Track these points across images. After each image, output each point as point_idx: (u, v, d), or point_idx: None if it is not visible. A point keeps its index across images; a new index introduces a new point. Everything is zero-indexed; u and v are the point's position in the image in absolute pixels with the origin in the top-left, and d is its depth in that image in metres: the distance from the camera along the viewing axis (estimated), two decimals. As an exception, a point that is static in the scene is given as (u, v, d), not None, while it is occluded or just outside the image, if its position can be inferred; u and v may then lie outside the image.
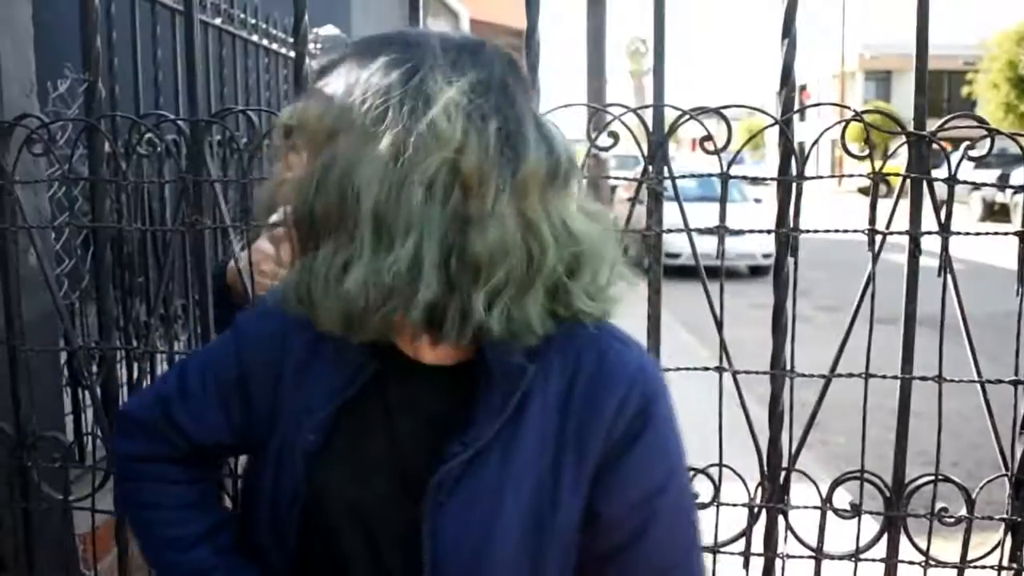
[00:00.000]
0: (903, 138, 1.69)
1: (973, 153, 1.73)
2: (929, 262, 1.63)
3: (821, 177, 1.74)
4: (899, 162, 1.74)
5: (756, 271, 13.21)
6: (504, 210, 0.96)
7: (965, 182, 1.69)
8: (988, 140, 1.71)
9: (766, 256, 12.15)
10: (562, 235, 1.01)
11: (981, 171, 17.46)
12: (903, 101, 1.68)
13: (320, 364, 1.15)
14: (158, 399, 1.26)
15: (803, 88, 51.58)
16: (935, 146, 1.70)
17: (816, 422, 1.81)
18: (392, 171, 0.93)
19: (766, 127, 1.73)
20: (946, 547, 1.89)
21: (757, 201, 14.91)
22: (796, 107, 1.73)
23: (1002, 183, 1.76)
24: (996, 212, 22.29)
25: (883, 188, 1.73)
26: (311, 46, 5.26)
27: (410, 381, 1.12)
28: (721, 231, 1.73)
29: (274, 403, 1.17)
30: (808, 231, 1.73)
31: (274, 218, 2.12)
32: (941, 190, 1.70)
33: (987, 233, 1.74)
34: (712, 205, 1.74)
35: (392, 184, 0.93)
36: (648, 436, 1.09)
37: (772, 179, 1.71)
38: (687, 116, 1.73)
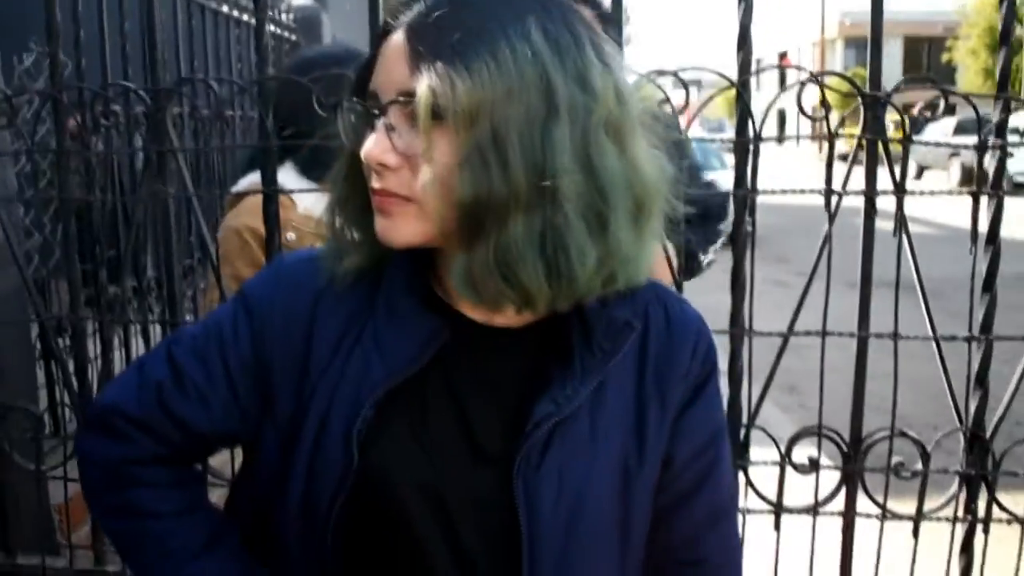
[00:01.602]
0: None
1: (931, 114, 1.75)
2: (913, 228, 1.65)
3: (777, 139, 1.76)
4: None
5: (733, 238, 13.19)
6: (642, 155, 0.98)
7: (919, 142, 1.71)
8: (967, 106, 1.73)
9: (746, 224, 12.21)
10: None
11: (960, 136, 17.55)
12: (885, 68, 1.69)
13: (375, 335, 1.06)
14: (147, 389, 1.11)
15: (783, 55, 51.50)
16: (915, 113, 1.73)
17: (794, 385, 1.84)
18: (574, 135, 0.92)
19: (722, 90, 1.75)
20: (910, 503, 1.92)
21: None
22: (756, 71, 1.74)
23: (980, 148, 1.77)
24: (973, 179, 22.34)
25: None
26: (284, 16, 5.24)
27: (473, 345, 1.06)
28: (682, 195, 1.75)
29: (302, 382, 1.07)
30: (764, 192, 1.75)
31: (237, 188, 2.14)
32: (921, 154, 1.73)
33: (939, 192, 1.76)
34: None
35: (579, 149, 0.92)
36: (713, 380, 1.13)
37: (728, 140, 1.73)
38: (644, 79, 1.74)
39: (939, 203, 1.60)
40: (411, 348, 1.04)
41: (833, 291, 1.76)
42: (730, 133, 1.77)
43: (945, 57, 34.36)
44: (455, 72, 0.91)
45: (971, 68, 30.99)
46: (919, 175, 20.59)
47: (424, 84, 0.92)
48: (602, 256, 0.95)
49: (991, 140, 1.71)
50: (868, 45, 1.72)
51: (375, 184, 0.99)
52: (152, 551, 1.13)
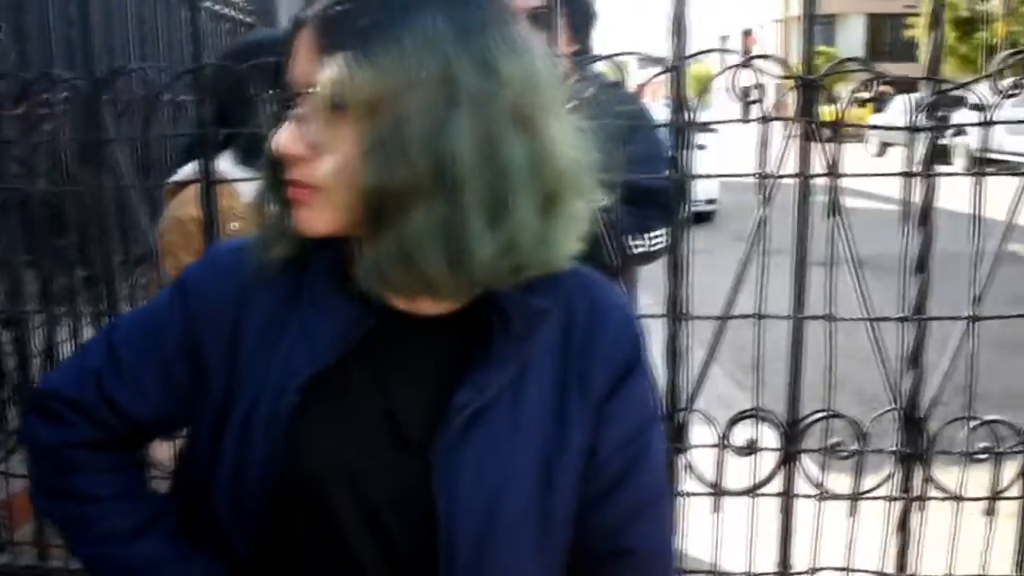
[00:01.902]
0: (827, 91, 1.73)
1: (863, 95, 1.78)
2: (872, 204, 1.67)
3: (715, 122, 1.78)
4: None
5: (699, 217, 13.31)
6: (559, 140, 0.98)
7: (852, 124, 1.74)
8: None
9: (709, 202, 12.25)
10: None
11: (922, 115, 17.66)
12: (848, 45, 1.72)
13: (300, 322, 1.07)
14: (87, 374, 1.13)
15: (748, 33, 51.67)
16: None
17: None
18: (476, 125, 0.92)
19: (659, 73, 1.76)
20: (850, 483, 1.94)
21: (701, 147, 14.96)
22: (690, 55, 1.76)
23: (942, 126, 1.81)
24: (937, 155, 22.54)
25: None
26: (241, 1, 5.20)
27: (398, 334, 1.08)
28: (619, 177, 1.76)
29: (232, 369, 1.08)
30: (702, 176, 1.77)
31: (176, 178, 2.12)
32: (883, 132, 1.76)
33: (874, 174, 1.79)
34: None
35: (481, 139, 0.92)
36: (640, 369, 1.12)
37: (664, 126, 1.75)
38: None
39: (899, 182, 1.64)
40: (334, 335, 1.05)
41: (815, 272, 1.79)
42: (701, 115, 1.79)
43: (907, 33, 34.64)
44: (356, 63, 0.92)
45: (933, 45, 31.22)
46: (881, 152, 20.75)
47: (325, 76, 0.92)
48: (505, 244, 0.95)
49: (920, 121, 1.73)
50: (800, 26, 1.74)
51: (289, 174, 1.00)
52: (89, 535, 1.15)
